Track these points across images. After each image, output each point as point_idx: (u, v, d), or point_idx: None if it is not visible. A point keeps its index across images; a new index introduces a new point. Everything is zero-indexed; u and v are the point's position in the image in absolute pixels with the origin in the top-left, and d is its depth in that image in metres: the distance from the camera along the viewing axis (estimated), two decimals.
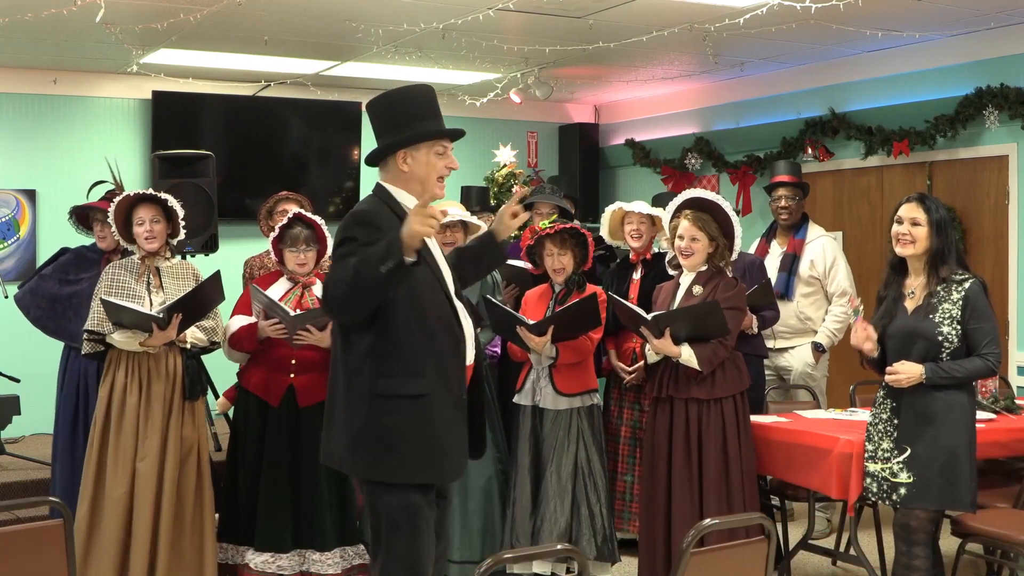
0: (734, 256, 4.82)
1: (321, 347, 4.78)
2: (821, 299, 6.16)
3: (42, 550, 3.23)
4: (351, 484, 5.07)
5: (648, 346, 4.77)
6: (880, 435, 4.24)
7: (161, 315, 4.56)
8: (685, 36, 6.90)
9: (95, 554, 4.71)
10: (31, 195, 8.19)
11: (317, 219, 4.97)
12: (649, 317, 4.58)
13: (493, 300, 4.98)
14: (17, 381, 6.88)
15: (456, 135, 3.64)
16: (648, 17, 6.50)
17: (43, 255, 7.93)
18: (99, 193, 6.10)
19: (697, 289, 4.72)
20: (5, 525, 3.48)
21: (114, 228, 4.85)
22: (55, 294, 5.46)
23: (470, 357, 3.64)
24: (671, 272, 5.05)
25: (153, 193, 4.80)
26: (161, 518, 4.73)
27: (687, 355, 4.59)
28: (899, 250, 4.21)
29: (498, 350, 5.55)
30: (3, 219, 8.07)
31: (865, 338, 4.25)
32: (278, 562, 4.90)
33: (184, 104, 8.47)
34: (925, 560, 4.15)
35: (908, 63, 7.46)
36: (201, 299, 4.65)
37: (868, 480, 4.25)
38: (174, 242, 4.95)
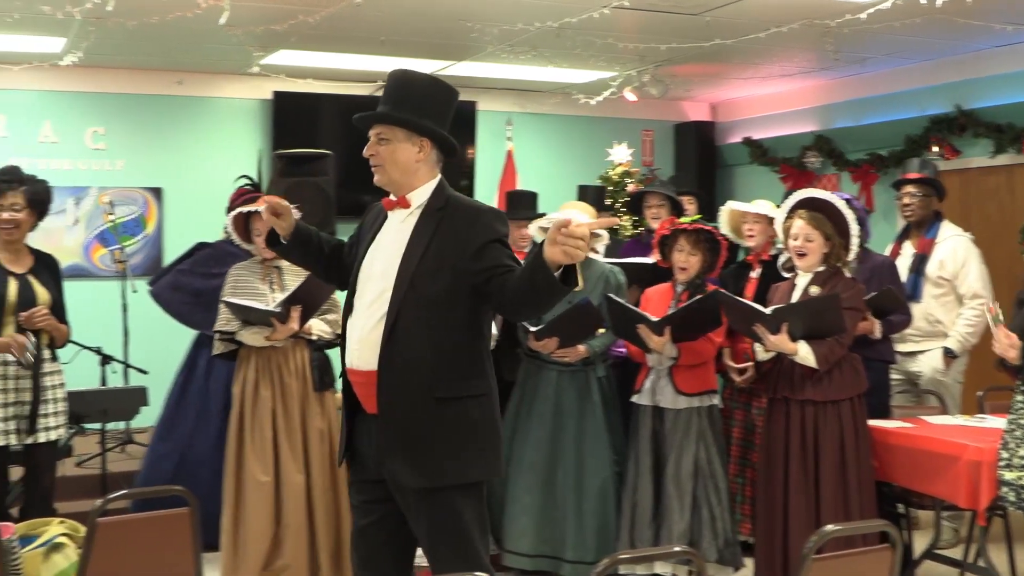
0: (851, 256, 4.70)
1: None
2: (952, 301, 5.94)
3: (169, 538, 3.31)
4: None
5: (758, 344, 4.70)
6: (1018, 442, 4.08)
7: (279, 309, 4.65)
8: (804, 32, 6.77)
9: (242, 546, 4.84)
10: (157, 193, 8.44)
11: None
12: (768, 311, 4.50)
13: (615, 298, 4.93)
14: (145, 373, 7.09)
15: (361, 123, 3.47)
16: (766, 13, 6.39)
17: (169, 251, 8.18)
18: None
19: (814, 289, 4.64)
20: (133, 512, 3.58)
21: (234, 235, 4.97)
22: (199, 288, 5.60)
23: (358, 362, 3.32)
24: (784, 274, 4.97)
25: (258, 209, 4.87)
26: (315, 510, 4.86)
27: (804, 352, 4.50)
28: None
29: (624, 350, 5.52)
30: (131, 216, 8.33)
31: (1009, 345, 4.08)
32: None
33: (304, 104, 8.62)
34: None
35: None
36: (312, 291, 4.71)
37: (1004, 489, 4.10)
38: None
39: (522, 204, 6.03)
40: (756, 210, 5.48)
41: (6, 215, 4.79)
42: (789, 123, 9.28)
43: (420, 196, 3.37)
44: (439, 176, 3.42)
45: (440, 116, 3.39)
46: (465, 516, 3.30)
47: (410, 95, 3.36)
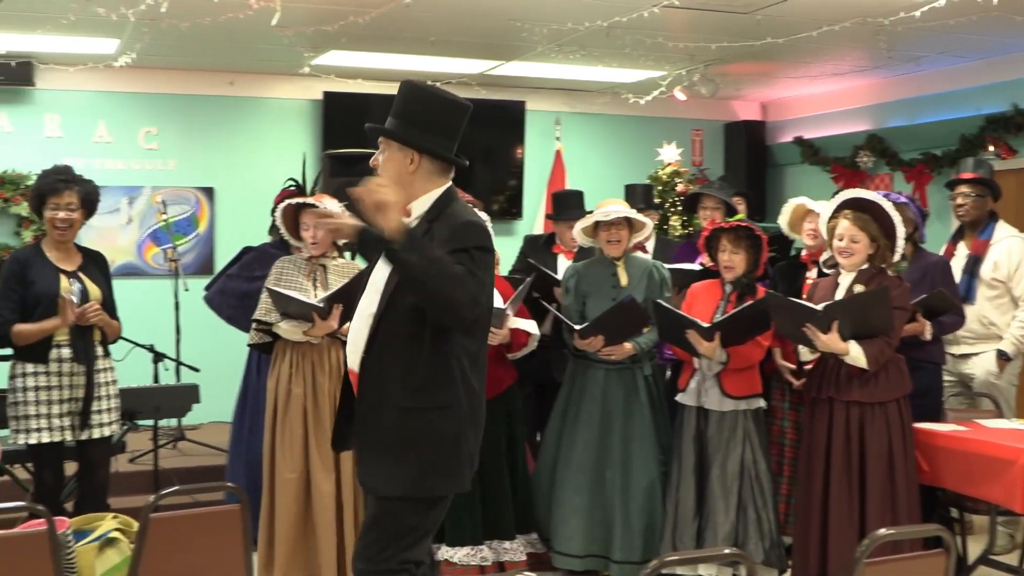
0: (896, 258, 4.64)
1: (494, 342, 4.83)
2: (1007, 303, 5.84)
3: (220, 533, 3.34)
4: (525, 474, 5.24)
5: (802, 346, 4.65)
6: None
7: (322, 304, 4.67)
8: (857, 30, 6.69)
9: (276, 544, 4.87)
10: (209, 192, 8.52)
11: None
12: (820, 308, 4.45)
13: (663, 303, 4.91)
14: (197, 371, 7.17)
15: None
16: (818, 11, 6.32)
17: (220, 250, 8.27)
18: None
19: (858, 288, 4.59)
20: (185, 508, 3.62)
21: (283, 229, 5.00)
22: (244, 291, 5.65)
23: (351, 364, 3.40)
24: (826, 271, 4.92)
25: (315, 203, 4.89)
26: (344, 509, 4.87)
27: (855, 352, 4.45)
28: None
29: (671, 352, 5.50)
30: (184, 215, 8.42)
31: None
32: (480, 554, 5.04)
33: (353, 104, 8.66)
34: None
35: None
36: (357, 291, 4.71)
37: None
38: (340, 243, 5.05)
39: (568, 204, 6.01)
40: (823, 211, 5.42)
41: (62, 214, 4.85)
42: (841, 122, 9.19)
43: (420, 207, 3.36)
44: (443, 188, 3.39)
45: (438, 129, 3.35)
46: (406, 523, 3.32)
47: (408, 108, 3.35)
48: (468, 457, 3.36)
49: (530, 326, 5.16)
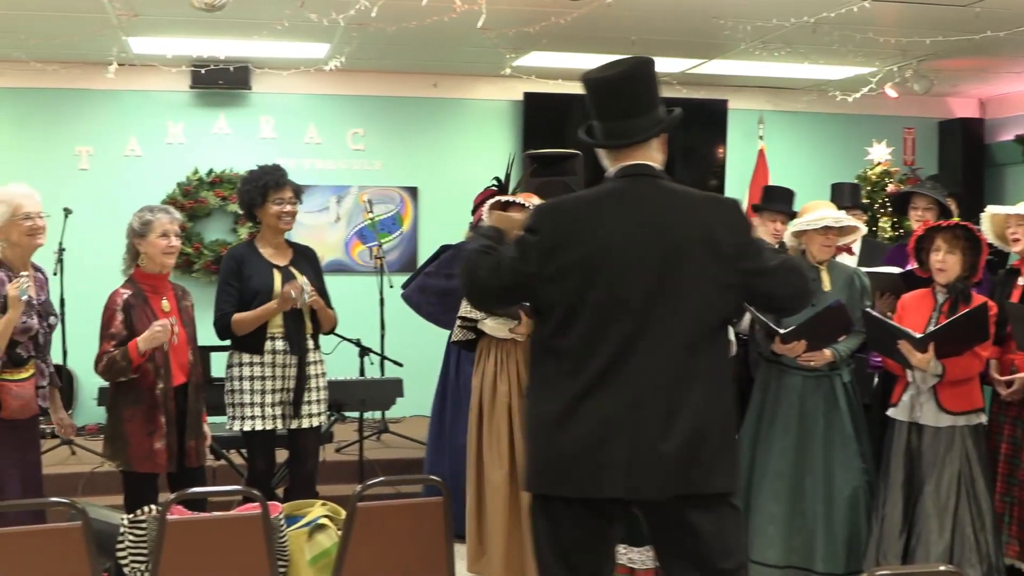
0: None
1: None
2: None
3: (423, 524, 3.42)
4: None
5: None
6: None
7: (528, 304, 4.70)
8: None
9: (486, 540, 4.93)
10: (413, 192, 8.74)
11: None
12: None
13: (873, 313, 4.74)
14: (400, 365, 7.36)
15: None
16: None
17: (423, 248, 8.47)
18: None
19: None
20: (388, 499, 3.72)
21: None
22: (443, 288, 5.76)
23: None
24: None
25: (519, 200, 4.90)
26: None
27: None
28: None
29: (879, 360, 5.31)
30: (389, 214, 8.67)
31: None
32: (628, 555, 4.98)
33: (553, 105, 8.71)
34: None
35: None
36: None
37: None
38: None
39: (774, 197, 6.01)
40: (1020, 211, 5.11)
41: (288, 207, 5.06)
42: None
43: None
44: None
45: (594, 114, 3.51)
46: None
47: None
48: (553, 458, 3.11)
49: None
